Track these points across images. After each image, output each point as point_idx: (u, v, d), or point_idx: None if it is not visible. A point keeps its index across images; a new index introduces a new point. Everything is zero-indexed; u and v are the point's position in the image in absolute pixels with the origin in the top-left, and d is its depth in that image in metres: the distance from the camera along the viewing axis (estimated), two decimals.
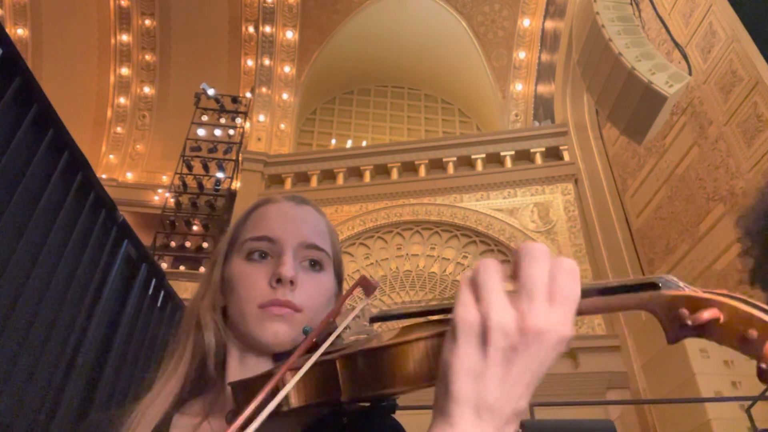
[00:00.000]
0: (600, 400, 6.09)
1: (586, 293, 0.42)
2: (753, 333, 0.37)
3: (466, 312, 0.40)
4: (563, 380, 6.36)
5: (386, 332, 0.53)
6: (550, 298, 0.40)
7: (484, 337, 0.39)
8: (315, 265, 0.74)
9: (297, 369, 0.49)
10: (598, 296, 0.42)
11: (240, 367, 0.70)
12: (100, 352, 2.40)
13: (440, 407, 0.41)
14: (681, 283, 0.40)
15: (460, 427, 0.39)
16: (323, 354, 0.50)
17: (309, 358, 0.49)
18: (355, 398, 0.48)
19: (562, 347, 0.40)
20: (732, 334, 0.38)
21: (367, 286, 0.57)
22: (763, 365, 0.37)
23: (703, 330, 0.39)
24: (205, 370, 0.72)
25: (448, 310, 0.48)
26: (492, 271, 0.41)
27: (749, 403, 3.77)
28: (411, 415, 0.81)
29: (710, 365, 4.64)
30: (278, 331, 0.68)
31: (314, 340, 0.56)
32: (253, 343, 0.70)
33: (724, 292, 0.39)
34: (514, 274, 0.41)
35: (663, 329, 0.41)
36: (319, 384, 0.50)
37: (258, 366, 0.69)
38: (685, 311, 0.39)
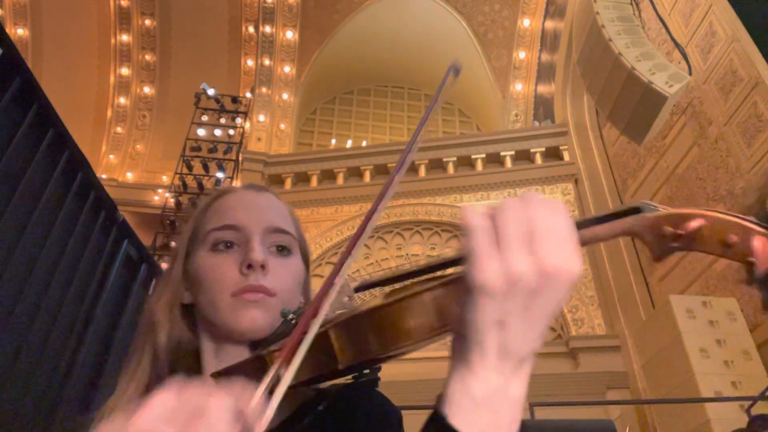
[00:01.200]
0: (600, 400, 6.09)
1: (577, 227, 0.44)
2: (733, 237, 0.41)
3: (489, 264, 0.39)
4: (563, 380, 6.36)
5: (370, 300, 0.52)
6: (555, 240, 0.40)
7: (506, 293, 0.39)
8: (283, 249, 0.73)
9: (290, 352, 0.45)
10: (587, 227, 0.45)
11: (216, 360, 0.69)
12: (100, 352, 2.40)
13: (461, 357, 0.41)
14: (660, 207, 0.44)
15: (483, 374, 0.40)
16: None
17: (302, 329, 0.46)
18: (353, 364, 0.48)
19: (573, 282, 0.41)
20: (714, 240, 0.42)
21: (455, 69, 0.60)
22: (752, 259, 0.41)
23: (688, 241, 0.42)
24: (177, 368, 0.70)
25: (434, 267, 0.49)
26: (511, 219, 0.41)
27: (749, 403, 3.77)
28: (411, 416, 0.81)
29: (710, 365, 4.64)
30: (255, 318, 0.66)
31: (295, 322, 0.55)
32: (229, 333, 0.68)
33: (700, 208, 0.44)
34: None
35: (648, 248, 0.44)
36: (312, 357, 0.49)
37: (236, 355, 0.67)
38: (669, 228, 0.42)
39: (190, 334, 0.72)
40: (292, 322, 0.59)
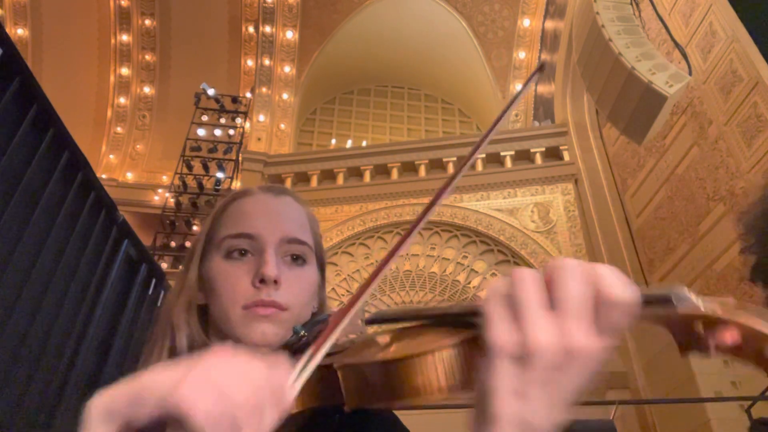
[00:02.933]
0: (600, 400, 6.09)
1: None
2: None
3: (505, 331, 0.38)
4: None
5: (380, 334, 0.51)
6: (595, 324, 0.38)
7: (527, 357, 0.37)
8: (297, 259, 0.72)
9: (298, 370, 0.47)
10: None
11: None
12: (100, 352, 2.40)
13: (480, 429, 0.39)
14: (692, 297, 0.39)
15: None
16: (326, 354, 0.48)
17: (308, 359, 0.47)
18: (359, 408, 0.47)
19: (600, 362, 0.39)
20: (749, 351, 0.38)
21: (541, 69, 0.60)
22: None
23: (720, 351, 0.39)
24: None
25: (449, 316, 0.46)
26: (531, 287, 0.38)
27: (749, 403, 3.77)
28: (412, 415, 0.81)
29: (710, 365, 4.64)
30: (266, 332, 0.66)
31: (306, 339, 0.56)
32: (239, 344, 0.67)
33: (736, 303, 0.39)
34: (551, 289, 0.39)
35: (677, 343, 0.40)
36: (318, 388, 0.49)
37: None
38: (700, 329, 0.39)
39: (204, 337, 0.71)
40: (303, 339, 0.59)
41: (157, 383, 0.40)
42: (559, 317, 0.37)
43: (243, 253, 0.70)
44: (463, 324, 0.43)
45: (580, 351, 0.37)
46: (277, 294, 0.67)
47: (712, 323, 0.38)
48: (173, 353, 0.70)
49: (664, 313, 0.39)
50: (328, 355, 0.48)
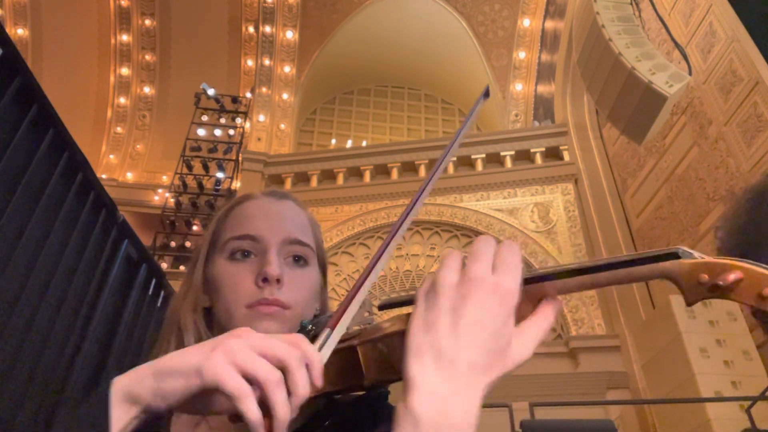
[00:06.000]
0: (600, 400, 6.09)
1: (612, 266, 0.46)
2: None
3: (424, 283, 0.47)
4: (563, 380, 6.36)
5: (388, 320, 0.54)
6: (494, 265, 0.45)
7: (433, 292, 0.44)
8: (299, 260, 0.74)
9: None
10: (623, 268, 0.46)
11: None
12: (99, 352, 2.40)
13: (405, 374, 0.43)
14: (695, 253, 0.45)
15: (424, 386, 0.41)
16: (340, 341, 0.51)
17: (325, 338, 0.50)
18: (378, 382, 0.51)
19: (509, 300, 0.44)
20: (751, 293, 0.42)
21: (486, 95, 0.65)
22: None
23: (724, 291, 0.43)
24: None
25: None
26: (453, 252, 0.48)
27: (749, 403, 3.77)
28: None
29: (710, 365, 4.64)
30: (269, 330, 0.67)
31: (314, 332, 0.57)
32: None
33: (734, 258, 0.44)
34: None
35: (682, 293, 0.45)
36: (340, 371, 0.52)
37: None
38: (705, 276, 0.43)
39: (211, 337, 0.72)
40: (311, 333, 0.60)
41: (187, 357, 0.44)
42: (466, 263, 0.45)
43: (246, 254, 0.72)
44: None
45: (477, 278, 0.44)
46: (279, 293, 0.69)
47: (716, 269, 0.43)
48: None
49: (673, 266, 0.45)
50: (343, 340, 0.52)
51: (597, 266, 0.46)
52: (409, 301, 0.53)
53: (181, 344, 0.71)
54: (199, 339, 0.71)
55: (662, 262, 0.45)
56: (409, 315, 0.52)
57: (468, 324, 0.42)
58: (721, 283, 0.43)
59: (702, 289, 0.44)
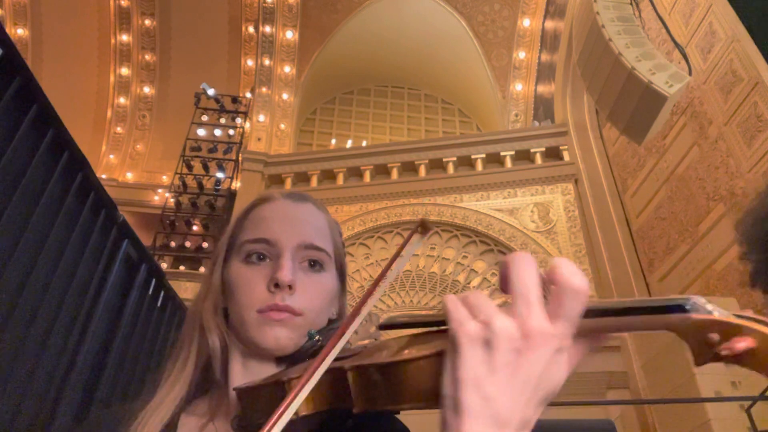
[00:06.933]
0: (600, 400, 6.09)
1: (607, 312, 0.41)
2: None
3: (465, 323, 0.39)
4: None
5: (392, 340, 0.52)
6: (549, 309, 0.39)
7: (488, 344, 0.38)
8: (315, 265, 0.73)
9: (306, 378, 0.47)
10: (621, 316, 0.41)
11: (243, 371, 0.70)
12: (99, 352, 2.40)
13: (449, 424, 0.38)
14: (708, 305, 0.39)
15: None
16: (336, 359, 0.49)
17: (317, 365, 0.47)
18: (367, 411, 0.47)
19: (562, 358, 0.40)
20: (765, 362, 0.37)
21: (424, 229, 0.58)
22: None
23: (735, 358, 0.38)
24: (210, 371, 0.71)
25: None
26: (479, 293, 0.41)
27: (749, 403, 3.77)
28: (414, 415, 0.80)
29: (710, 365, 4.61)
30: (279, 336, 0.67)
31: (321, 343, 0.56)
32: (255, 349, 0.69)
33: (751, 314, 0.39)
34: (504, 285, 0.41)
35: (692, 352, 0.40)
36: (329, 391, 0.49)
37: (261, 370, 0.68)
38: (714, 336, 0.38)
39: (225, 341, 0.73)
40: (318, 343, 0.60)
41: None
42: (514, 307, 0.39)
43: (261, 257, 0.72)
44: None
45: (540, 333, 0.38)
46: (291, 299, 0.68)
47: (727, 330, 0.37)
48: (203, 354, 0.72)
49: (679, 321, 0.39)
50: (340, 358, 0.49)
51: (593, 311, 0.41)
52: (412, 324, 0.50)
53: (204, 344, 0.71)
54: (222, 339, 0.71)
55: (667, 315, 0.39)
56: (409, 337, 0.50)
57: (526, 382, 0.39)
58: (728, 348, 0.37)
59: (711, 349, 0.38)
